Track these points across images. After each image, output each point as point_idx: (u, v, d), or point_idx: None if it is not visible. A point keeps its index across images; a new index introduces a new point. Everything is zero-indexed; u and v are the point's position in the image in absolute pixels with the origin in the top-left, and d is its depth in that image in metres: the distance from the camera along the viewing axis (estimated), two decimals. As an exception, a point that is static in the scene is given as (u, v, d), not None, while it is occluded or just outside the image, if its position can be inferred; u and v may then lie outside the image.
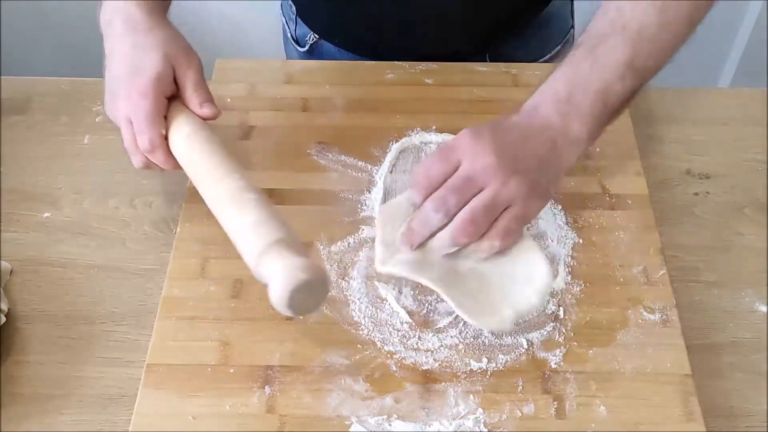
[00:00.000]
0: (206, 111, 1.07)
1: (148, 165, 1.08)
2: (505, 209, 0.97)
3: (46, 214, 1.20)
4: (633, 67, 0.99)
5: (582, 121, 0.99)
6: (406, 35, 1.39)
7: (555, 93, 1.01)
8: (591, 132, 1.00)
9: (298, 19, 1.52)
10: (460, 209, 0.97)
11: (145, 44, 1.08)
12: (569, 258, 1.10)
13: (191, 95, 1.08)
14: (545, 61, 1.49)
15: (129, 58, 1.07)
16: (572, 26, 1.56)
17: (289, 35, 1.56)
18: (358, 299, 1.06)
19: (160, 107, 1.05)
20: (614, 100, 1.00)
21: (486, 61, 1.48)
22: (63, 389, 1.03)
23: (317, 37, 1.51)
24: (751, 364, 1.05)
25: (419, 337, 1.02)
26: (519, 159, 0.97)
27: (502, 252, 1.01)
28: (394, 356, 1.00)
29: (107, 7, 1.14)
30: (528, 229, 1.08)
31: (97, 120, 1.33)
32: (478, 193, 0.96)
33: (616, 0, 1.02)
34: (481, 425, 0.94)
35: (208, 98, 1.08)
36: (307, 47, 1.52)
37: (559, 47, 1.51)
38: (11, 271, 1.14)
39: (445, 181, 0.98)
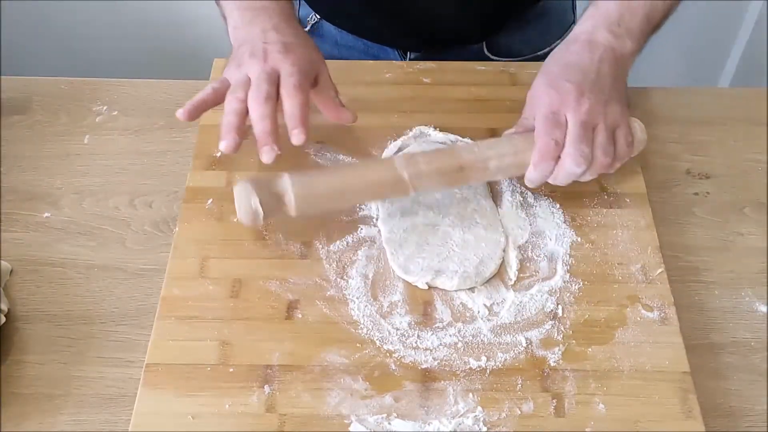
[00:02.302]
0: (347, 115, 1.16)
1: (237, 140, 1.08)
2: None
3: (46, 214, 1.20)
4: None
5: (633, 39, 1.12)
6: (406, 17, 1.41)
7: (607, 17, 1.12)
8: (640, 47, 1.14)
9: (301, 1, 1.52)
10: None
11: (298, 28, 1.17)
12: (568, 256, 1.10)
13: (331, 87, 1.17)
14: (545, 55, 1.49)
15: (284, 26, 1.14)
16: (573, 21, 1.56)
17: None
18: (357, 298, 1.06)
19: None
20: (658, 16, 1.15)
21: (484, 52, 1.48)
22: (63, 389, 1.03)
23: (318, 17, 1.52)
24: (751, 364, 1.05)
25: (418, 336, 1.02)
26: (605, 91, 1.08)
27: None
28: (393, 355, 1.00)
29: None
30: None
31: (97, 120, 1.33)
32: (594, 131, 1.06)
33: None
34: (481, 424, 0.94)
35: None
36: (308, 28, 1.53)
37: (558, 41, 1.51)
38: (11, 271, 1.14)
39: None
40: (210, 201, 1.15)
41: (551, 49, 1.47)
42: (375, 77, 1.34)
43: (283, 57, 1.09)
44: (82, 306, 1.11)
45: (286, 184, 1.04)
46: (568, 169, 1.05)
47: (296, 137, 1.06)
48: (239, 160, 1.20)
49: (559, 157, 1.05)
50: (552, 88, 1.09)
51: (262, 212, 1.03)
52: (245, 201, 1.03)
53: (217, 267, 1.08)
